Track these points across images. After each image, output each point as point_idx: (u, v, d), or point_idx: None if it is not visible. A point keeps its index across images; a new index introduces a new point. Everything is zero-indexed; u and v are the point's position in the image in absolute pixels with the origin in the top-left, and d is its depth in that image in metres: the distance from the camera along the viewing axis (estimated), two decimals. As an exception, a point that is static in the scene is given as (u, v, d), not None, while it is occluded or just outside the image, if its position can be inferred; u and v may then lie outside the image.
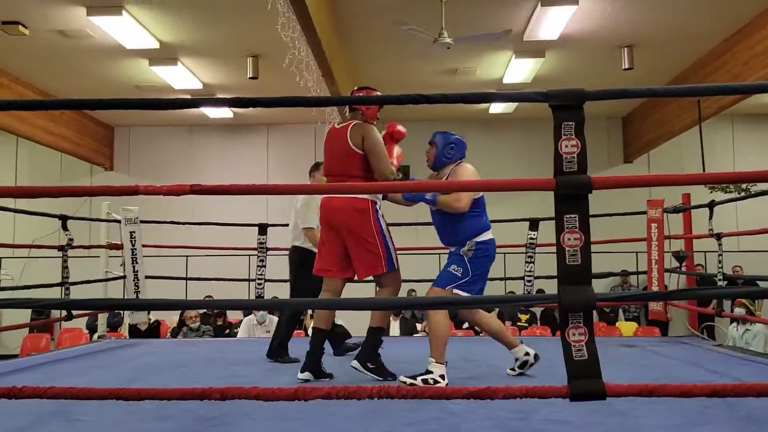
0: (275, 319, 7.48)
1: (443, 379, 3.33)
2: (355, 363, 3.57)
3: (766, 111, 11.45)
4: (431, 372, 3.34)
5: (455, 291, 3.43)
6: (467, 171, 3.54)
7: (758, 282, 9.29)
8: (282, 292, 9.28)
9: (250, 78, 8.40)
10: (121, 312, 8.69)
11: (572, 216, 1.74)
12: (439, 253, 5.41)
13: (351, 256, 3.62)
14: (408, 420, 2.63)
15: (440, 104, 8.08)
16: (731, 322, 7.02)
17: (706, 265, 10.21)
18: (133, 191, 1.74)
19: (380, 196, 3.68)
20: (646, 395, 1.73)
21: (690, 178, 1.98)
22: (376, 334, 3.64)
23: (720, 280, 4.75)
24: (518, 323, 9.67)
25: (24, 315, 9.43)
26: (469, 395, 1.74)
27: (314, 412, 2.70)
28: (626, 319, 10.43)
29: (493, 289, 9.67)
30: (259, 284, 5.76)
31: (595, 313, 8.43)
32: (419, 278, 5.73)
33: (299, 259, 4.57)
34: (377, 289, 3.82)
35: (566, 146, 1.74)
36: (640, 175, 1.85)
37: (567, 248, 1.73)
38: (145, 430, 2.56)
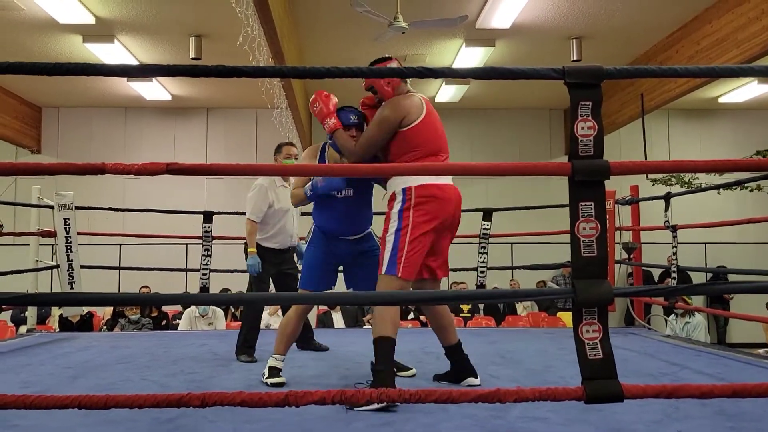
0: (219, 311, 7.22)
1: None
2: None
3: (698, 107, 11.81)
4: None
5: None
6: None
7: (688, 272, 9.69)
8: (227, 282, 9.04)
9: (193, 59, 8.02)
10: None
11: (588, 203, 1.60)
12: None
13: (443, 254, 3.10)
14: (382, 420, 2.48)
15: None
16: (670, 314, 7.18)
17: (643, 257, 10.43)
18: (99, 170, 1.50)
19: None
20: (665, 397, 1.63)
21: (704, 165, 1.88)
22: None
23: (674, 271, 4.78)
24: (461, 314, 9.66)
25: (-59, 306, 8.80)
26: (477, 399, 1.59)
27: (280, 413, 2.52)
28: (567, 310, 10.58)
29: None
30: (204, 274, 5.47)
31: (536, 303, 8.50)
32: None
33: None
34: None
35: (583, 128, 1.61)
36: (658, 161, 1.78)
37: (582, 238, 1.60)
38: (94, 436, 2.32)
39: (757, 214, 11.13)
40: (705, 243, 11.41)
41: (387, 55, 3.09)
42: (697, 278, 10.72)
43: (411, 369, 3.42)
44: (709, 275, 11.01)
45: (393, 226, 2.91)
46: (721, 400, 2.76)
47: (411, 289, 2.99)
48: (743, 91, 10.72)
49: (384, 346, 2.81)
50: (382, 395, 1.58)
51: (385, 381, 2.74)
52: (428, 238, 2.90)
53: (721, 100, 11.27)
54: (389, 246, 2.89)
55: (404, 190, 2.91)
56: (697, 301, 11.12)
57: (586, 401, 1.62)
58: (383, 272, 2.89)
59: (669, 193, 4.83)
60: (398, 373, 3.26)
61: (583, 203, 1.60)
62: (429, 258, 2.99)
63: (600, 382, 1.59)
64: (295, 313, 3.27)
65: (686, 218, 8.42)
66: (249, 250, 4.12)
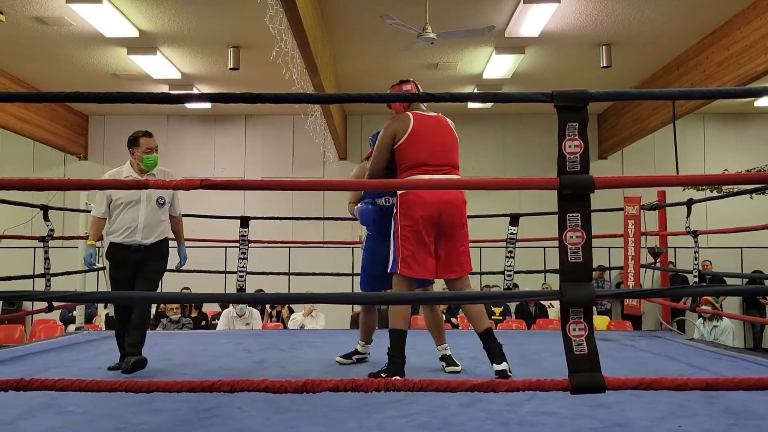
0: (255, 311, 7.50)
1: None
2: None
3: (734, 110, 11.72)
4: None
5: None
6: None
7: (725, 278, 9.63)
8: (263, 284, 9.35)
9: (231, 69, 8.35)
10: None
11: (575, 215, 1.79)
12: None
13: (446, 254, 3.44)
14: (401, 412, 2.66)
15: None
16: (698, 318, 7.20)
17: (676, 261, 10.43)
18: (143, 185, 1.73)
19: None
20: (643, 389, 1.79)
21: (687, 180, 2.03)
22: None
23: (695, 276, 4.86)
24: (493, 317, 9.77)
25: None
26: (473, 388, 1.78)
27: (307, 405, 2.72)
28: (598, 313, 10.62)
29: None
30: (241, 277, 5.74)
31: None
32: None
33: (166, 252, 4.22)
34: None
35: (570, 146, 1.79)
36: (639, 176, 1.93)
37: (569, 246, 1.78)
38: (138, 422, 2.55)
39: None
40: (741, 248, 11.31)
41: (405, 78, 3.64)
42: (733, 283, 10.63)
43: (458, 365, 3.64)
44: (745, 280, 10.90)
45: (392, 229, 3.48)
46: (730, 399, 2.89)
47: (416, 285, 3.49)
48: (780, 95, 10.60)
49: (395, 336, 3.34)
50: (389, 384, 1.77)
51: (396, 366, 3.27)
52: (412, 239, 3.34)
53: (756, 104, 11.17)
54: (391, 247, 3.46)
55: (397, 200, 3.46)
56: (733, 306, 11.03)
57: (571, 392, 1.79)
58: (389, 270, 3.46)
59: (691, 199, 4.91)
60: (446, 368, 3.60)
61: (570, 214, 1.78)
62: (429, 258, 3.40)
63: (584, 374, 1.75)
64: (362, 307, 4.14)
65: (721, 223, 8.42)
66: (87, 242, 4.02)
